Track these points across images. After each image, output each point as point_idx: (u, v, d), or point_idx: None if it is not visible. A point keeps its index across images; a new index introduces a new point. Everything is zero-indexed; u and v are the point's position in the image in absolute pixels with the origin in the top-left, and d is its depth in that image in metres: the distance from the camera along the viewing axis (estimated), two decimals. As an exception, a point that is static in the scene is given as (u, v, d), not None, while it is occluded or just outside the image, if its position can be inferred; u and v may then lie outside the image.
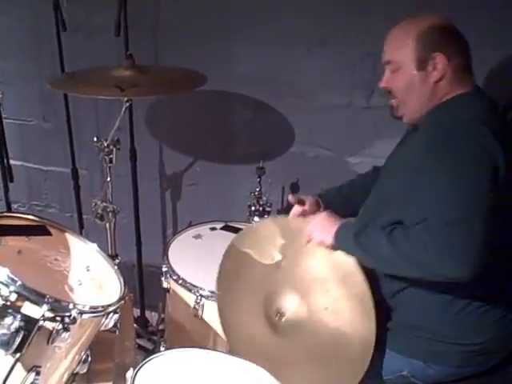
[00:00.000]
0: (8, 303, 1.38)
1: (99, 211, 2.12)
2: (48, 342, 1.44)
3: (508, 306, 1.55)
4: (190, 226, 2.26)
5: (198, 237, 2.17)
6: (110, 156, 2.07)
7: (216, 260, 2.03)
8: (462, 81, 1.52)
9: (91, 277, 1.74)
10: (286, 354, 1.66)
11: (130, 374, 1.45)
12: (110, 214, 2.13)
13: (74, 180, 2.58)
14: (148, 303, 2.69)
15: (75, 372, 1.67)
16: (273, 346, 1.68)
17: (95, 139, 2.04)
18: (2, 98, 2.48)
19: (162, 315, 2.31)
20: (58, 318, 1.42)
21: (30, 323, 1.39)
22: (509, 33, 1.93)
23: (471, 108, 1.49)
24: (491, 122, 1.44)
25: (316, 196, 1.83)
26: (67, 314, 1.43)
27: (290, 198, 1.78)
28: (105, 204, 2.12)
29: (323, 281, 1.60)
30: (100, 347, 1.74)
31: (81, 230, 2.66)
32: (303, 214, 1.76)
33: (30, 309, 1.39)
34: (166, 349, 2.09)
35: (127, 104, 2.00)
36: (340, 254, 1.55)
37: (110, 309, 1.56)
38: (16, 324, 1.37)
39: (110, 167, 2.09)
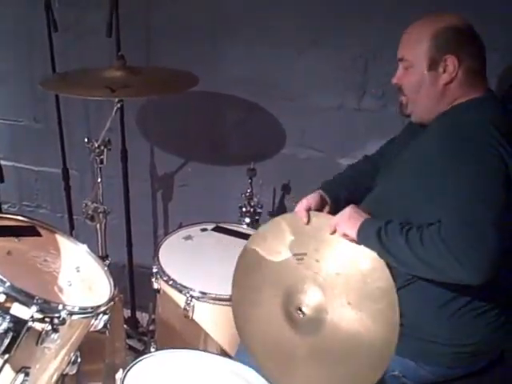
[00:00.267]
0: (-3, 304, 1.37)
1: (90, 212, 2.11)
2: (37, 343, 1.43)
3: (501, 309, 1.55)
4: (181, 227, 2.26)
5: (188, 238, 2.17)
6: (101, 157, 2.06)
7: (206, 261, 2.04)
8: (474, 85, 1.51)
9: (81, 278, 1.73)
10: (302, 350, 1.61)
11: (119, 375, 1.45)
12: (101, 215, 2.13)
13: (64, 180, 2.57)
14: (139, 304, 2.68)
15: (64, 373, 1.66)
16: (290, 343, 1.61)
17: (86, 140, 2.04)
18: (-8, 98, 2.48)
19: (153, 316, 2.30)
20: (47, 319, 1.42)
21: (18, 324, 1.39)
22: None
23: (482, 112, 1.48)
24: (502, 125, 1.43)
25: (319, 191, 1.75)
26: (56, 315, 1.43)
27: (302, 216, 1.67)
28: (95, 205, 2.11)
29: (346, 275, 1.53)
30: (90, 348, 1.73)
31: (71, 230, 2.65)
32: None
33: (18, 310, 1.39)
34: (156, 349, 2.09)
35: (118, 105, 2.00)
36: (364, 248, 1.50)
37: (100, 310, 1.56)
38: (5, 325, 1.37)
39: (100, 168, 2.09)
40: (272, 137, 2.42)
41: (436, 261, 1.35)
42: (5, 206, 2.80)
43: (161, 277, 1.98)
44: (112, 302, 1.62)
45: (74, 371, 1.67)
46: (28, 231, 1.76)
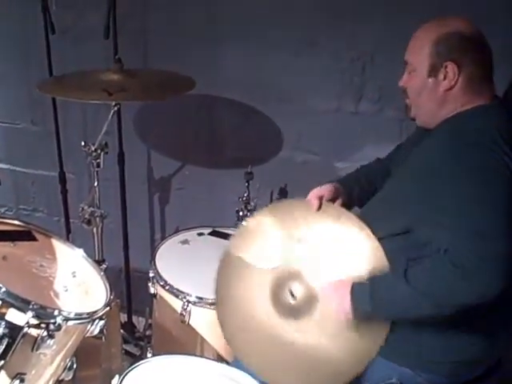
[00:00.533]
0: (-8, 310, 1.37)
1: (86, 216, 2.10)
2: (33, 349, 1.42)
3: (499, 319, 1.54)
4: (178, 231, 2.25)
5: (185, 242, 2.16)
6: (98, 160, 2.06)
7: (203, 266, 2.02)
8: (479, 92, 1.48)
9: (77, 283, 1.72)
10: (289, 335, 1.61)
11: (115, 381, 1.44)
12: (98, 219, 2.12)
13: (61, 184, 2.56)
14: (135, 308, 2.67)
15: (60, 379, 1.65)
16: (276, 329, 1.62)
17: (83, 143, 2.03)
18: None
19: (149, 321, 2.30)
20: (43, 325, 1.41)
21: (14, 330, 1.38)
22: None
23: (487, 119, 1.46)
24: (507, 133, 1.42)
25: (333, 183, 1.75)
26: (52, 320, 1.42)
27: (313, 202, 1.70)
28: (92, 208, 2.10)
29: (335, 255, 1.58)
30: (86, 354, 1.72)
31: (68, 234, 2.64)
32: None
33: (14, 316, 1.38)
34: (153, 355, 2.08)
35: (115, 108, 1.99)
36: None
37: (96, 315, 1.55)
38: (0, 331, 1.36)
39: (97, 171, 2.08)
40: (269, 140, 2.42)
41: (446, 285, 1.36)
42: (1, 210, 2.80)
43: (157, 281, 1.97)
44: (108, 308, 1.61)
45: (70, 377, 1.67)
46: (24, 236, 1.75)
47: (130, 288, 2.65)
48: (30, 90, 2.45)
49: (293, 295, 1.60)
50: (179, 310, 1.89)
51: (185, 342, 1.95)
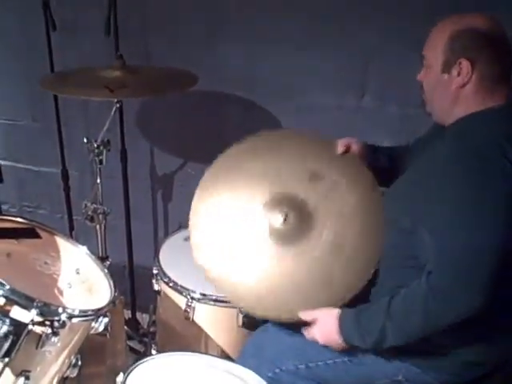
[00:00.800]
0: (-4, 308, 1.37)
1: (89, 213, 2.10)
2: (37, 347, 1.43)
3: (509, 318, 1.53)
4: (181, 227, 2.25)
5: (188, 239, 2.15)
6: (101, 157, 2.05)
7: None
8: (492, 92, 1.45)
9: (81, 280, 1.72)
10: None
11: (120, 378, 1.44)
12: (101, 216, 2.12)
13: (64, 181, 2.55)
14: (139, 305, 2.67)
15: (65, 376, 1.65)
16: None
17: (85, 140, 2.03)
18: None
19: (153, 317, 2.30)
20: (48, 323, 1.41)
21: (18, 328, 1.38)
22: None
23: (495, 123, 1.44)
24: None
25: (363, 144, 1.81)
26: (56, 318, 1.42)
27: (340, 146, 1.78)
28: (95, 205, 2.10)
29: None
30: (90, 351, 1.73)
31: (71, 231, 2.64)
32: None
33: (18, 313, 1.38)
34: (157, 351, 2.09)
35: (117, 105, 1.98)
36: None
37: (100, 313, 1.55)
38: (5, 329, 1.36)
39: (100, 168, 2.08)
40: (272, 136, 2.41)
41: (428, 308, 1.41)
42: (4, 207, 2.79)
43: (161, 278, 1.97)
44: (112, 305, 1.61)
45: (75, 374, 1.67)
46: (28, 233, 1.75)
47: (134, 285, 2.65)
48: (32, 87, 2.44)
49: (285, 219, 1.65)
50: (183, 306, 1.89)
51: (189, 339, 1.95)
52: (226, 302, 1.86)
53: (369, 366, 1.59)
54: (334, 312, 1.56)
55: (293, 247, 1.67)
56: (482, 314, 1.44)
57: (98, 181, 2.09)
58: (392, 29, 2.08)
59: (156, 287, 2.01)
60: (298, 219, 1.67)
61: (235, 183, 1.78)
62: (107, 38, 2.16)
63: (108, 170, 2.14)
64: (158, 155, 2.60)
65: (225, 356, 1.86)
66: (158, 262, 2.01)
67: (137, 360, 1.54)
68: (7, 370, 1.41)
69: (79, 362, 1.67)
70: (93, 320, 1.55)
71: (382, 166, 1.79)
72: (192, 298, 1.88)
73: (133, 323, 2.65)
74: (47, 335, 1.42)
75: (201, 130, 2.50)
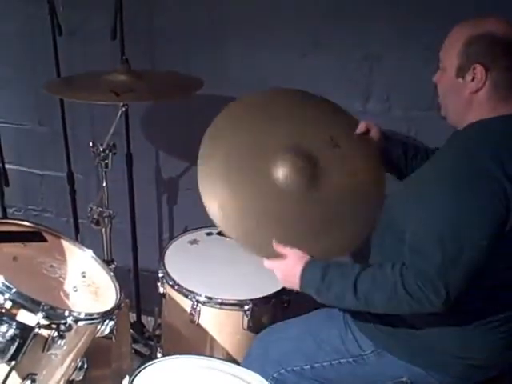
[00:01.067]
0: (3, 311, 1.37)
1: (95, 216, 2.11)
2: (43, 350, 1.43)
3: None
4: (186, 231, 2.26)
5: (194, 242, 2.17)
6: (106, 161, 2.06)
7: (212, 265, 2.04)
8: (505, 99, 1.43)
9: (87, 283, 1.73)
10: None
11: (125, 381, 1.44)
12: (106, 219, 2.13)
13: (69, 185, 2.56)
14: (144, 308, 2.68)
15: (71, 379, 1.66)
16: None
17: (91, 144, 2.04)
18: (-3, 102, 2.48)
19: (159, 320, 2.30)
20: (54, 326, 1.41)
21: (25, 331, 1.38)
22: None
23: (501, 132, 1.43)
24: None
25: (381, 131, 1.87)
26: (63, 321, 1.43)
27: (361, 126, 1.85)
28: (101, 209, 2.11)
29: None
30: (96, 354, 1.73)
31: (77, 234, 2.65)
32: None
33: (25, 316, 1.39)
34: (163, 354, 2.09)
35: (123, 109, 1.99)
36: None
37: (106, 316, 1.55)
38: (11, 332, 1.37)
39: (105, 172, 2.09)
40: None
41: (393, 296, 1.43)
42: (10, 210, 2.80)
43: (166, 281, 1.98)
44: (118, 308, 1.61)
45: (81, 377, 1.67)
46: (34, 237, 1.75)
47: (139, 288, 2.66)
48: (38, 91, 2.45)
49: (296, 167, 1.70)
50: (188, 309, 1.89)
51: (194, 342, 1.96)
52: (231, 304, 1.87)
53: (373, 367, 1.60)
54: (305, 257, 1.57)
55: (302, 194, 1.70)
56: (490, 317, 1.45)
57: (104, 184, 2.10)
58: (397, 32, 2.08)
59: (161, 290, 2.02)
60: (308, 170, 1.72)
61: (256, 121, 1.84)
62: (113, 42, 2.16)
63: (113, 173, 2.15)
64: (164, 159, 2.61)
65: (230, 359, 1.86)
66: (164, 265, 2.02)
67: (142, 363, 1.54)
68: (14, 373, 1.41)
69: (85, 365, 1.67)
70: (99, 323, 1.55)
71: (394, 159, 1.84)
72: (197, 301, 1.88)
73: (138, 326, 2.65)
74: (53, 338, 1.42)
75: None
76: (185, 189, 2.63)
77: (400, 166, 1.83)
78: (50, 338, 1.42)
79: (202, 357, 1.63)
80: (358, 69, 2.19)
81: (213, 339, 1.91)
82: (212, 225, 2.22)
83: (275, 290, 1.90)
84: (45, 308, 1.40)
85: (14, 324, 1.37)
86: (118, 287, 1.71)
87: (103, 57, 2.38)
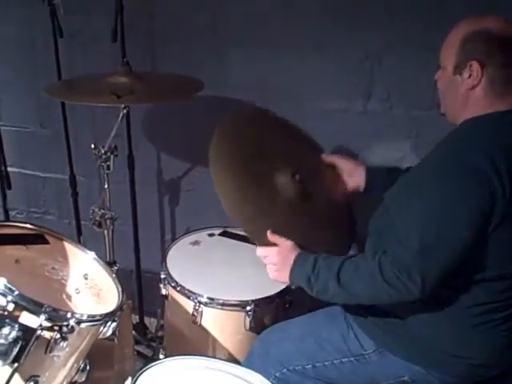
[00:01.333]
0: (5, 313, 1.37)
1: (97, 218, 2.11)
2: (46, 352, 1.43)
3: None
4: (188, 232, 2.26)
5: (196, 243, 2.17)
6: (108, 163, 2.06)
7: (214, 266, 2.04)
8: (502, 96, 1.44)
9: (89, 285, 1.74)
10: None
11: (128, 382, 1.45)
12: (108, 221, 2.13)
13: (71, 187, 2.57)
14: (147, 309, 2.68)
15: (74, 381, 1.66)
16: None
17: (93, 146, 2.04)
18: (-1, 105, 2.49)
19: (161, 322, 2.31)
20: (56, 328, 1.41)
21: (27, 333, 1.38)
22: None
23: (493, 128, 1.44)
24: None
25: (363, 165, 1.88)
26: (65, 323, 1.43)
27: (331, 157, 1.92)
28: (103, 211, 2.11)
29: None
30: (99, 355, 1.73)
31: (79, 236, 2.65)
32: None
33: (27, 318, 1.39)
34: (165, 355, 2.09)
35: (124, 111, 1.99)
36: None
37: (108, 317, 1.56)
38: (14, 334, 1.36)
39: (107, 174, 2.09)
40: (278, 140, 2.41)
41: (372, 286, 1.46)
42: (12, 213, 2.81)
43: (169, 283, 1.98)
44: (121, 310, 1.62)
45: (84, 379, 1.67)
46: (36, 239, 1.76)
47: (142, 289, 2.66)
48: (39, 94, 2.45)
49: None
50: (191, 310, 1.90)
51: (196, 343, 1.96)
52: (233, 305, 1.87)
53: (375, 366, 1.60)
54: (297, 248, 1.59)
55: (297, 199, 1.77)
56: (491, 318, 1.46)
57: (106, 186, 2.10)
58: (397, 31, 2.08)
59: (163, 291, 2.02)
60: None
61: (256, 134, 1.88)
62: (114, 44, 2.17)
63: (115, 175, 2.15)
64: (165, 160, 2.61)
65: (232, 359, 1.86)
66: (166, 266, 2.02)
67: (145, 364, 1.54)
68: (16, 375, 1.41)
69: (87, 367, 1.68)
70: (101, 325, 1.55)
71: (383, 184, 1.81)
72: (199, 302, 1.88)
73: (140, 328, 2.66)
74: (56, 340, 1.42)
75: (207, 134, 2.49)
76: (186, 190, 2.63)
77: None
78: (52, 340, 1.42)
79: (204, 357, 1.64)
80: (359, 69, 2.19)
81: (215, 340, 1.92)
82: (214, 226, 2.26)
83: (277, 291, 1.90)
84: (47, 310, 1.40)
85: (17, 326, 1.37)
86: (120, 289, 1.71)
87: (104, 59, 2.39)
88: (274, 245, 1.60)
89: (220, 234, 2.21)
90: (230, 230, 2.23)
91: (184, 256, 2.10)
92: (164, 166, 2.63)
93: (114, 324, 1.58)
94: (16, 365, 1.38)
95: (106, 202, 2.12)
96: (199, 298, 1.88)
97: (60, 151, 2.55)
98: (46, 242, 1.77)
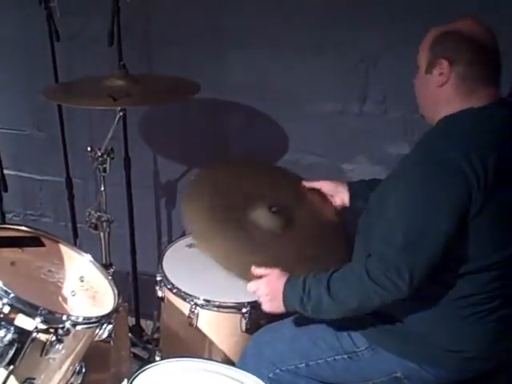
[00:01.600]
0: (1, 315, 1.38)
1: (93, 220, 2.11)
2: (42, 354, 1.43)
3: (507, 317, 1.55)
4: (184, 234, 2.26)
5: (192, 245, 2.17)
6: (104, 165, 2.06)
7: (210, 269, 2.03)
8: (471, 92, 1.47)
9: (85, 287, 1.74)
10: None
11: (123, 384, 1.45)
12: (105, 224, 2.12)
13: (68, 189, 2.57)
14: (143, 312, 2.68)
15: (70, 383, 1.66)
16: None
17: (89, 149, 2.04)
18: (-5, 107, 2.49)
19: (157, 324, 2.30)
20: (52, 330, 1.42)
21: (23, 335, 1.39)
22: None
23: (464, 126, 1.46)
24: (488, 143, 1.42)
25: (343, 183, 1.94)
26: (61, 325, 1.43)
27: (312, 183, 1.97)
28: (99, 213, 2.11)
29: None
30: (95, 358, 1.74)
31: (75, 239, 2.65)
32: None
33: (23, 321, 1.39)
34: (161, 357, 2.09)
35: (121, 113, 2.00)
36: None
37: (104, 320, 1.56)
38: (9, 336, 1.38)
39: (104, 176, 2.09)
40: (275, 143, 2.42)
41: (359, 289, 1.47)
42: (9, 216, 2.81)
43: (165, 285, 1.98)
44: (116, 312, 1.62)
45: (79, 381, 1.68)
46: (32, 241, 1.76)
47: (138, 291, 2.66)
48: (36, 97, 2.46)
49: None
50: (187, 312, 1.90)
51: (193, 345, 1.96)
52: (229, 307, 1.87)
53: (368, 363, 1.61)
54: (286, 273, 1.60)
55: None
56: (481, 310, 1.48)
57: (102, 189, 2.10)
58: (393, 35, 2.09)
59: (160, 294, 2.02)
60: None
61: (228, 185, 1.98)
62: (111, 47, 2.17)
63: (112, 177, 2.15)
64: (162, 163, 2.62)
65: (228, 361, 1.86)
66: (162, 268, 2.02)
67: (141, 366, 1.54)
68: (12, 377, 1.41)
69: (83, 369, 1.68)
70: (97, 327, 1.55)
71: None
72: (195, 305, 1.88)
73: (137, 330, 2.66)
74: (51, 343, 1.43)
75: (203, 137, 2.51)
76: (183, 192, 2.63)
77: None
78: (48, 343, 1.42)
79: (201, 359, 1.63)
80: (355, 71, 2.20)
81: (211, 342, 1.92)
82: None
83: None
84: (43, 312, 1.40)
85: (12, 329, 1.38)
86: (116, 291, 1.71)
87: (101, 62, 2.39)
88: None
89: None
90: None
91: (180, 258, 2.10)
92: (160, 169, 2.63)
93: (110, 326, 1.58)
94: (11, 367, 1.39)
95: (103, 204, 2.12)
96: (195, 300, 1.88)
97: (56, 154, 2.55)
98: (42, 245, 1.77)
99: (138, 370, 1.52)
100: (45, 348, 1.42)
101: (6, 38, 2.58)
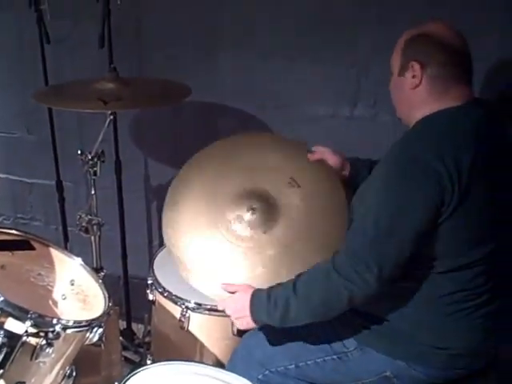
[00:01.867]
0: (-9, 319, 1.37)
1: (84, 224, 2.10)
2: (32, 358, 1.43)
3: (494, 314, 1.56)
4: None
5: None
6: (95, 168, 2.06)
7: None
8: (445, 93, 1.49)
9: (75, 291, 1.73)
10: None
11: (114, 389, 1.45)
12: (95, 227, 2.12)
13: (58, 192, 2.56)
14: (134, 315, 2.67)
15: (60, 387, 1.66)
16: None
17: (79, 152, 2.03)
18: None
19: (148, 327, 2.30)
20: (42, 334, 1.42)
21: (13, 339, 1.38)
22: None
23: (439, 126, 1.48)
24: (464, 142, 1.44)
25: (344, 158, 1.92)
26: (51, 329, 1.43)
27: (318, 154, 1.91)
28: (90, 217, 2.10)
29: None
30: (85, 361, 1.73)
31: (66, 242, 2.64)
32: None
33: (13, 325, 1.39)
34: (153, 361, 2.09)
35: (111, 117, 1.99)
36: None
37: (94, 323, 1.55)
38: (-1, 340, 1.37)
39: (94, 180, 2.09)
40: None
41: (326, 286, 1.47)
42: (-1, 219, 2.80)
43: (156, 288, 1.98)
44: (107, 315, 1.61)
45: (70, 385, 1.67)
46: (22, 245, 1.75)
47: (129, 295, 2.65)
48: (26, 100, 2.45)
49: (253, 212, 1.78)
50: (178, 316, 1.90)
51: (184, 348, 1.95)
52: (220, 311, 1.86)
53: (357, 363, 1.61)
54: (252, 287, 1.60)
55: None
56: (467, 307, 1.49)
57: (93, 192, 2.10)
58: (384, 40, 2.08)
59: (151, 297, 2.02)
60: (266, 212, 1.79)
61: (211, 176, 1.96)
62: (101, 50, 2.17)
63: (102, 181, 2.15)
64: (152, 166, 2.61)
65: (219, 364, 1.86)
66: (153, 272, 2.02)
67: (132, 370, 1.54)
68: (2, 381, 1.41)
69: (74, 373, 1.68)
70: (87, 331, 1.55)
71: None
72: (187, 308, 1.88)
73: (128, 333, 2.65)
74: (42, 346, 1.42)
75: (194, 140, 2.50)
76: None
77: None
78: (38, 346, 1.42)
79: (192, 363, 1.64)
80: (346, 75, 2.21)
81: (202, 345, 1.92)
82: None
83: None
84: (33, 316, 1.40)
85: (2, 332, 1.38)
86: (106, 295, 1.71)
87: (91, 65, 2.39)
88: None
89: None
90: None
91: (171, 262, 2.08)
92: (151, 172, 2.63)
93: (101, 330, 1.58)
94: (1, 371, 1.39)
95: (93, 207, 2.11)
96: (186, 304, 1.89)
97: (47, 157, 2.54)
98: (32, 248, 1.77)
99: (129, 373, 1.51)
100: (35, 352, 1.42)
101: (-4, 40, 2.58)
